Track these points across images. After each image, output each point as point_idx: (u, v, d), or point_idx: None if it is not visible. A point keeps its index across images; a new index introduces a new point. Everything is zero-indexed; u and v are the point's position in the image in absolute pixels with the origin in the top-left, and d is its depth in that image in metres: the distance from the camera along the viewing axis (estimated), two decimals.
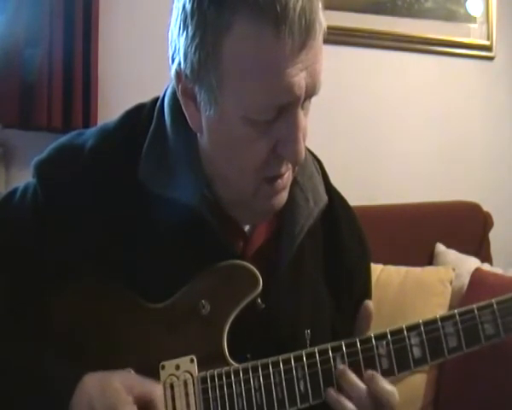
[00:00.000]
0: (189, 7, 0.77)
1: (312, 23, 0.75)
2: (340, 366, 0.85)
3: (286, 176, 0.86)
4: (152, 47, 2.22)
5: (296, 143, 0.80)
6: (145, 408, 0.80)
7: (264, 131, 0.80)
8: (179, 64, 0.81)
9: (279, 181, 0.85)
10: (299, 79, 0.76)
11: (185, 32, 0.78)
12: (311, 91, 0.79)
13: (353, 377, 0.85)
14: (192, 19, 0.77)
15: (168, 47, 0.85)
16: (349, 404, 0.84)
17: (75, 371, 0.81)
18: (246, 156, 0.82)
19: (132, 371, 0.84)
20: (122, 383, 0.80)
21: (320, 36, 0.77)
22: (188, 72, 0.80)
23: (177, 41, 0.80)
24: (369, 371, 0.85)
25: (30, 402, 0.80)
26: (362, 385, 0.84)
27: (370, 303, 0.90)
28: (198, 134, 0.87)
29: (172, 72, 0.83)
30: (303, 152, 0.81)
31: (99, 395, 0.78)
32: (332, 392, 0.84)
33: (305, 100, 0.79)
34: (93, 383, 0.80)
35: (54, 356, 0.83)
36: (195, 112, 0.83)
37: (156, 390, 0.82)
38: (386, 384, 0.85)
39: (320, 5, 0.77)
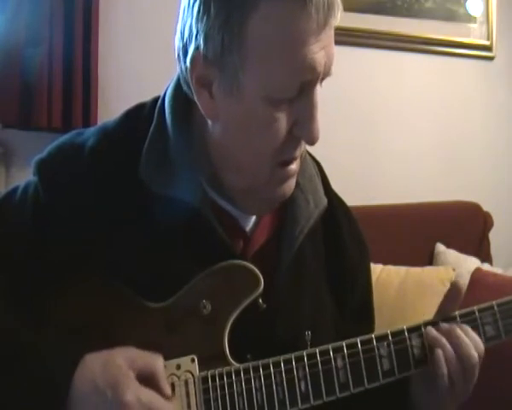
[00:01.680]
0: None
1: (333, 2, 0.78)
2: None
3: (297, 161, 0.88)
4: (152, 47, 2.24)
5: (314, 122, 0.82)
6: (147, 381, 0.80)
7: (284, 112, 0.81)
8: (197, 49, 0.80)
9: (291, 166, 0.87)
10: (320, 56, 0.79)
11: (206, 15, 0.78)
12: (327, 71, 0.82)
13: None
14: (215, 0, 0.77)
15: (176, 41, 0.85)
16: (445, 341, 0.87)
17: (76, 352, 0.81)
18: (265, 138, 0.82)
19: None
20: (124, 358, 0.80)
21: (338, 15, 0.80)
22: (209, 55, 0.80)
23: (193, 27, 0.80)
24: (446, 325, 0.89)
25: (31, 382, 0.79)
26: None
27: (460, 282, 0.91)
28: (209, 123, 0.87)
29: (188, 59, 0.82)
30: (319, 132, 0.83)
31: (101, 371, 0.78)
32: (432, 329, 0.88)
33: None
34: (95, 360, 0.80)
35: (54, 342, 0.83)
36: (209, 100, 0.83)
37: (157, 363, 0.82)
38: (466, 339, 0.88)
39: None
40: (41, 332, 0.85)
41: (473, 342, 0.87)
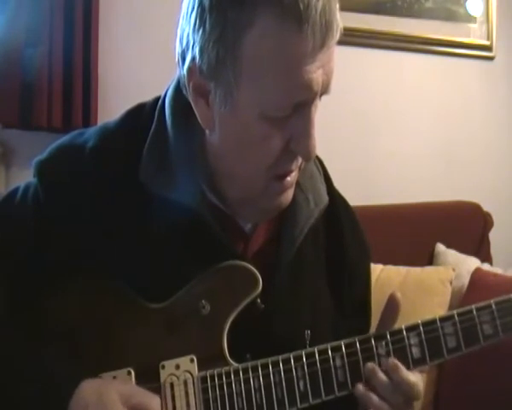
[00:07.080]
0: (206, 2, 0.77)
1: (331, 23, 0.76)
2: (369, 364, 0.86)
3: (294, 174, 0.87)
4: (152, 47, 2.23)
5: (310, 139, 0.81)
6: None
7: (279, 128, 0.80)
8: (193, 60, 0.80)
9: (288, 178, 0.86)
10: (317, 76, 0.77)
11: (202, 28, 0.78)
12: (325, 89, 0.81)
13: (376, 368, 0.85)
14: (211, 14, 0.77)
15: (176, 45, 0.85)
16: (374, 396, 0.84)
17: (74, 375, 0.81)
18: (259, 153, 0.82)
19: (132, 374, 0.84)
20: (119, 393, 0.80)
21: (337, 36, 0.78)
22: (204, 67, 0.79)
23: (190, 37, 0.80)
24: (392, 360, 0.86)
25: (27, 405, 0.80)
26: (383, 376, 0.85)
27: (398, 294, 0.89)
28: (207, 132, 0.87)
29: (185, 68, 0.82)
30: (316, 147, 0.82)
31: (95, 401, 0.78)
32: (360, 387, 0.85)
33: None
34: (90, 389, 0.80)
35: (53, 358, 0.83)
36: (206, 109, 0.83)
37: (153, 402, 0.82)
38: (409, 375, 0.85)
39: (337, 6, 0.78)
40: (37, 345, 0.84)
41: (395, 384, 0.84)
